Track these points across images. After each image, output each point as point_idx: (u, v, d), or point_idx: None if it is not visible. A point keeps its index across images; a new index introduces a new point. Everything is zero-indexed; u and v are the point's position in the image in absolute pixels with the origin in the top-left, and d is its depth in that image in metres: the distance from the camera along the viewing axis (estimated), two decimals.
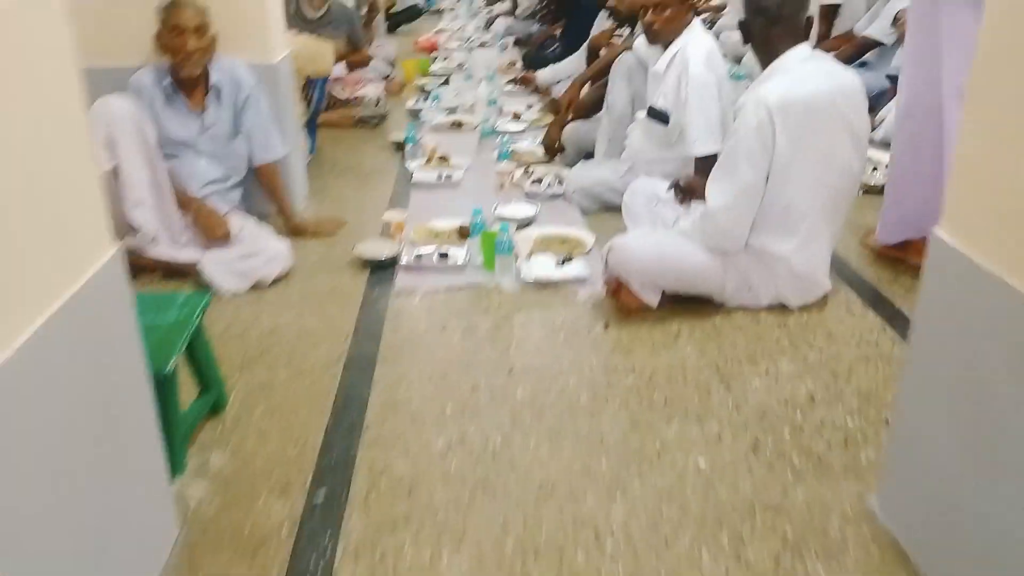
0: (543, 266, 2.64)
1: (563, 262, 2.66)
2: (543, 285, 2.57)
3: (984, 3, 1.28)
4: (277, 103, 3.05)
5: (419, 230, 2.95)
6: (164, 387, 1.63)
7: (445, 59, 6.56)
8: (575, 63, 4.74)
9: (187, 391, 1.83)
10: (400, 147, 4.04)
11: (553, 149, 3.78)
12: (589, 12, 5.05)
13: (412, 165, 3.76)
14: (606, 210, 3.19)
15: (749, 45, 2.38)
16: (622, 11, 3.88)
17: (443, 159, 3.81)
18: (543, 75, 4.85)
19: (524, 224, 3.01)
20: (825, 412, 1.89)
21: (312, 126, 3.88)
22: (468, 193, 3.46)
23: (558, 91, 4.80)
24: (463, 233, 2.90)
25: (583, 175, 3.26)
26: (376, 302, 2.50)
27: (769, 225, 2.28)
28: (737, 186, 2.23)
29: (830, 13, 5.34)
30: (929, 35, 2.46)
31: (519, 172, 3.56)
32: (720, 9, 7.11)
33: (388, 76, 5.51)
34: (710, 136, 2.81)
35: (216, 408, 1.93)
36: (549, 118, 4.60)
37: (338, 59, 4.57)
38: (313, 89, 3.77)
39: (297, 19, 4.48)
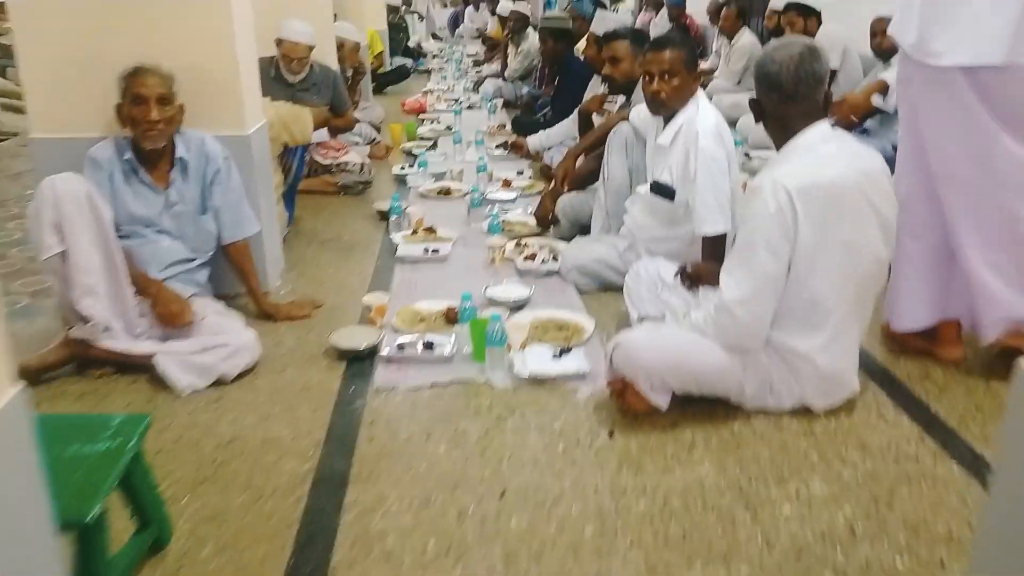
0: (539, 359, 2.39)
1: (561, 353, 2.41)
2: (539, 381, 2.31)
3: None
4: (251, 176, 2.83)
5: (403, 314, 2.71)
6: (87, 537, 1.35)
7: (433, 122, 6.41)
8: (566, 128, 4.58)
9: (122, 521, 1.55)
10: (385, 216, 3.82)
11: (547, 221, 3.58)
12: (581, 76, 4.92)
13: (397, 237, 3.53)
14: (605, 289, 2.96)
15: (761, 124, 2.18)
16: (617, 78, 3.71)
17: (430, 231, 3.58)
18: (534, 141, 4.68)
19: (517, 306, 2.77)
20: (870, 550, 1.62)
21: (291, 196, 3.66)
22: (456, 269, 3.22)
23: (549, 157, 4.64)
24: (450, 317, 2.65)
25: (580, 252, 3.04)
26: (352, 401, 2.24)
27: (792, 320, 2.05)
28: (756, 277, 2.00)
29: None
30: (910, 121, 2.31)
31: (511, 245, 3.34)
32: (710, 72, 7.06)
33: (374, 140, 5.33)
34: (720, 215, 2.60)
35: (158, 543, 1.64)
36: (541, 185, 4.42)
37: (320, 124, 4.40)
38: (292, 158, 3.56)
39: (277, 84, 4.31)
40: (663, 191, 2.76)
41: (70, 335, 2.34)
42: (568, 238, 3.39)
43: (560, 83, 5.25)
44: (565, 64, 5.17)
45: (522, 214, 3.87)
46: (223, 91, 2.75)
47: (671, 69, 2.67)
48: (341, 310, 2.84)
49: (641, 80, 2.79)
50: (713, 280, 2.18)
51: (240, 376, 2.35)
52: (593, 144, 3.32)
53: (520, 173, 4.66)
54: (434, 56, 12.23)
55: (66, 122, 2.66)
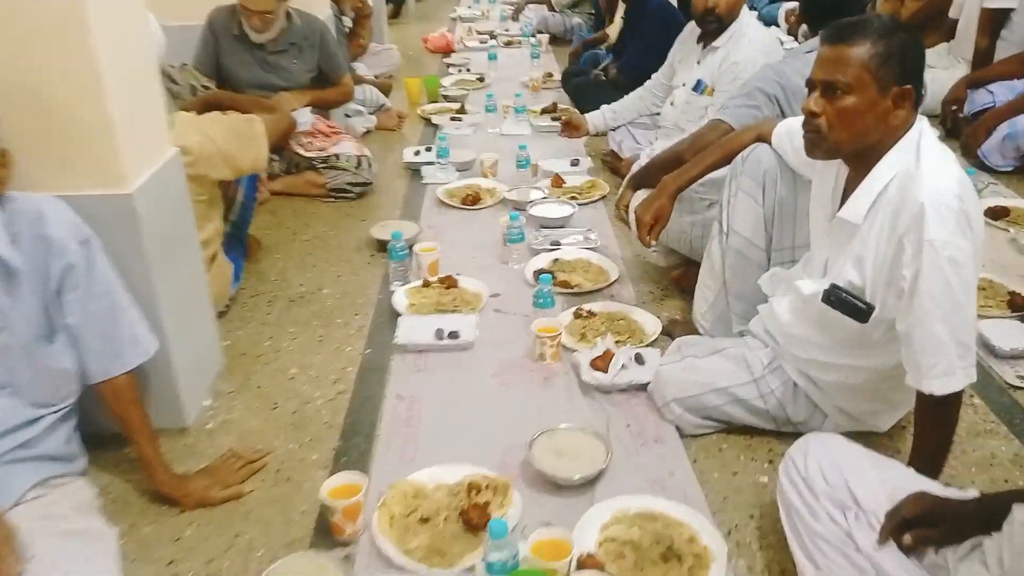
0: None
1: None
2: None
3: None
4: (141, 258, 1.69)
5: (393, 501, 1.60)
6: None
7: (461, 69, 5.12)
8: (642, 100, 3.31)
9: None
10: (385, 247, 2.67)
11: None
12: (662, 20, 3.59)
13: (399, 295, 2.39)
14: (725, 432, 1.82)
15: None
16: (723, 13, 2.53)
17: (448, 282, 2.43)
18: (596, 120, 3.42)
19: (590, 480, 1.65)
20: None
21: (238, 238, 2.49)
22: (485, 367, 2.09)
23: (616, 141, 3.38)
24: (470, 520, 1.54)
25: (686, 372, 1.83)
26: None
27: None
28: None
29: (995, 21, 3.82)
30: None
31: (570, 324, 2.19)
32: None
33: (381, 106, 4.10)
34: (961, 360, 1.41)
35: None
36: (603, 186, 3.20)
37: (305, 105, 3.20)
38: (238, 184, 2.39)
39: (240, 46, 3.12)
40: (847, 306, 1.55)
41: None
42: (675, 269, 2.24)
43: (631, 27, 3.90)
44: (638, 6, 3.81)
45: (582, 243, 2.69)
46: (82, 129, 1.59)
47: (856, 81, 1.44)
48: (296, 467, 1.75)
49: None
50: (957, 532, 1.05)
51: None
52: (706, 170, 2.07)
53: (575, 164, 3.42)
54: None
55: None
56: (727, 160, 1.99)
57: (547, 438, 1.74)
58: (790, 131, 1.85)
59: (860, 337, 1.59)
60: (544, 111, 4.14)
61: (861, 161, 1.54)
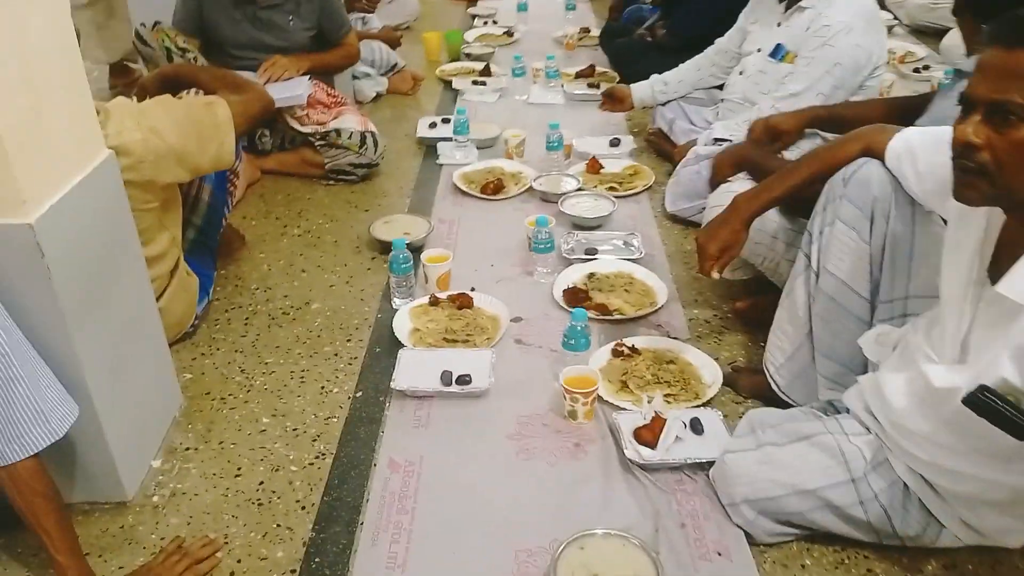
0: None
1: None
2: None
3: None
4: (52, 303, 1.29)
5: None
6: None
7: (487, 21, 4.59)
8: (698, 71, 2.81)
9: None
10: (388, 249, 2.25)
11: None
12: None
13: (400, 319, 1.98)
14: (809, 539, 1.41)
15: None
16: None
17: (460, 300, 2.01)
18: (642, 92, 2.93)
19: None
20: None
21: (207, 246, 2.04)
22: (498, 423, 1.68)
23: (667, 120, 2.89)
24: None
25: (763, 466, 1.38)
26: None
27: None
28: None
29: None
30: None
31: (609, 386, 1.76)
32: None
33: (394, 67, 3.61)
34: None
35: None
36: (647, 174, 2.73)
37: (304, 71, 2.75)
38: (205, 182, 1.95)
39: (230, 1, 2.65)
40: (1001, 417, 1.09)
41: None
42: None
43: None
44: None
45: (622, 251, 2.25)
46: None
47: None
48: (269, 543, 1.37)
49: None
50: None
51: None
52: (794, 189, 1.60)
53: (615, 144, 2.93)
54: None
55: None
56: (824, 177, 1.52)
57: (578, 549, 1.33)
58: (912, 149, 1.38)
59: (1011, 451, 1.16)
60: (579, 75, 3.63)
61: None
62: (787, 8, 2.42)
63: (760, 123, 2.14)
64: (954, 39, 3.60)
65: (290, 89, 2.64)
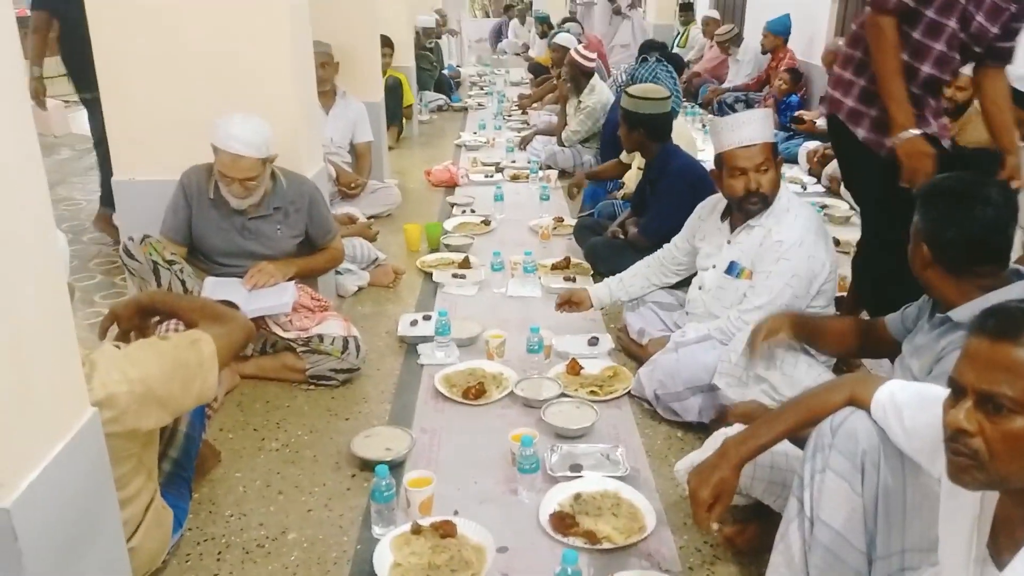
0: None
1: None
2: None
3: None
4: (28, 573, 1.22)
5: None
6: None
7: (465, 210, 4.78)
8: (650, 270, 2.92)
9: None
10: (369, 466, 2.19)
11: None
12: (690, 184, 3.22)
13: (380, 553, 1.88)
14: None
15: None
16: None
17: (443, 529, 1.94)
18: (600, 293, 3.00)
19: None
20: None
21: (182, 480, 1.97)
22: None
23: (637, 328, 2.95)
24: None
25: None
26: None
27: None
28: None
29: None
30: None
31: None
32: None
33: (375, 261, 3.70)
34: None
35: None
36: (624, 378, 2.75)
37: (292, 276, 2.81)
38: (176, 422, 1.90)
39: (218, 212, 2.75)
40: None
41: None
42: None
43: (651, 184, 3.53)
44: (661, 162, 3.46)
45: (606, 467, 2.22)
46: None
47: None
48: None
49: None
50: None
51: None
52: (780, 436, 1.60)
53: (593, 343, 2.98)
54: (472, 84, 10.66)
55: None
56: (809, 425, 1.54)
57: None
58: (897, 405, 1.41)
59: None
60: (555, 267, 3.76)
61: None
62: (733, 228, 2.57)
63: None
64: None
65: (276, 296, 2.67)
